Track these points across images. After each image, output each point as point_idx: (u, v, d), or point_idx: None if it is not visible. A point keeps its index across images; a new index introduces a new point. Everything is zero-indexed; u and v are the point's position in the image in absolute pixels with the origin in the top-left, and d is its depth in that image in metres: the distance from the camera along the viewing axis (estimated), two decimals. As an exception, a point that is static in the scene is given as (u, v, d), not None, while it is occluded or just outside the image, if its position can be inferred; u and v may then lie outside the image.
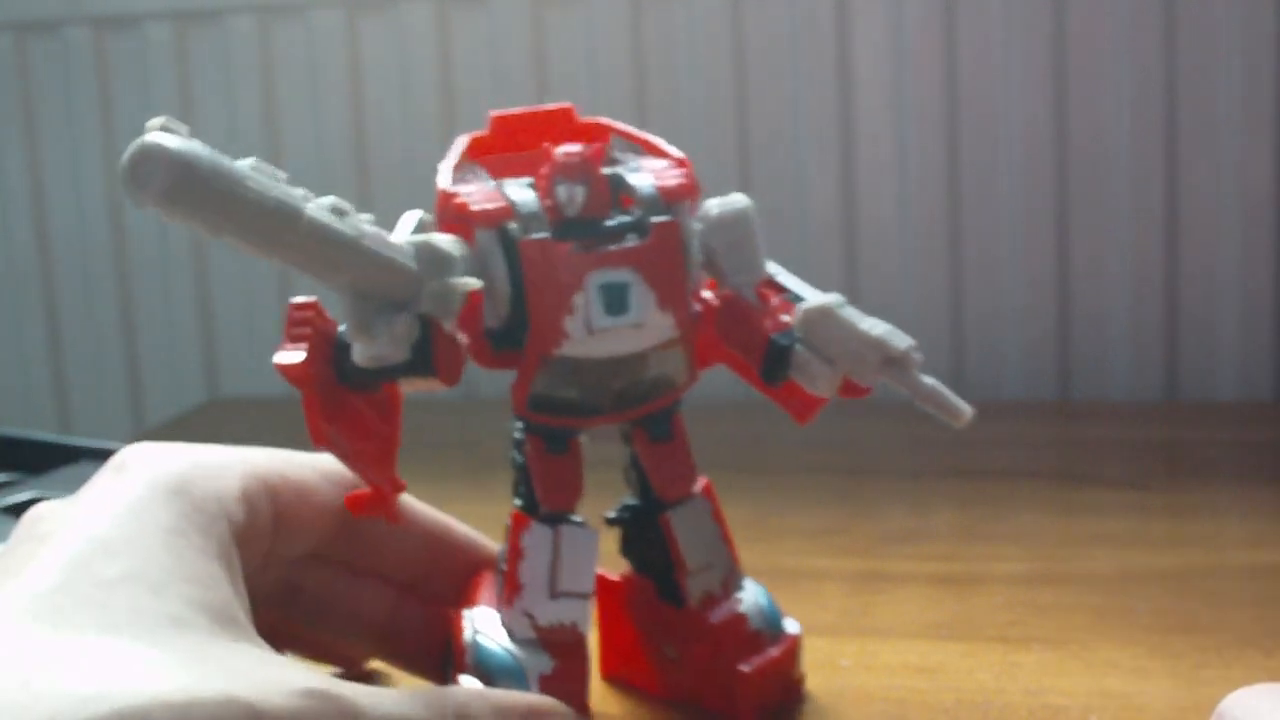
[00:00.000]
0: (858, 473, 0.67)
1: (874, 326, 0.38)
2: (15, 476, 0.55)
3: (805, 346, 0.38)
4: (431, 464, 0.67)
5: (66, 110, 0.92)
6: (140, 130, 0.30)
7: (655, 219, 0.38)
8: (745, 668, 0.41)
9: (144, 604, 0.30)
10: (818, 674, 0.44)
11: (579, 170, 0.38)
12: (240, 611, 0.33)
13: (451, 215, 0.38)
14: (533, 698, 0.37)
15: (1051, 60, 0.78)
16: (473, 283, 0.36)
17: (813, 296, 0.40)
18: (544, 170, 0.38)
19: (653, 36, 0.83)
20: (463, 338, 0.37)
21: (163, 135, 0.30)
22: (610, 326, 0.38)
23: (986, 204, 0.80)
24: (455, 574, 0.42)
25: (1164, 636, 0.46)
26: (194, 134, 0.31)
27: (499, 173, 0.40)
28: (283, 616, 0.41)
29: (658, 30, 0.83)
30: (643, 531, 0.42)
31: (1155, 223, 0.78)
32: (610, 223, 0.38)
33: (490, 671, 0.39)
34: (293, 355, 0.35)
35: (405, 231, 0.37)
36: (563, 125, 0.41)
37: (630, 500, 0.42)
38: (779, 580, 0.43)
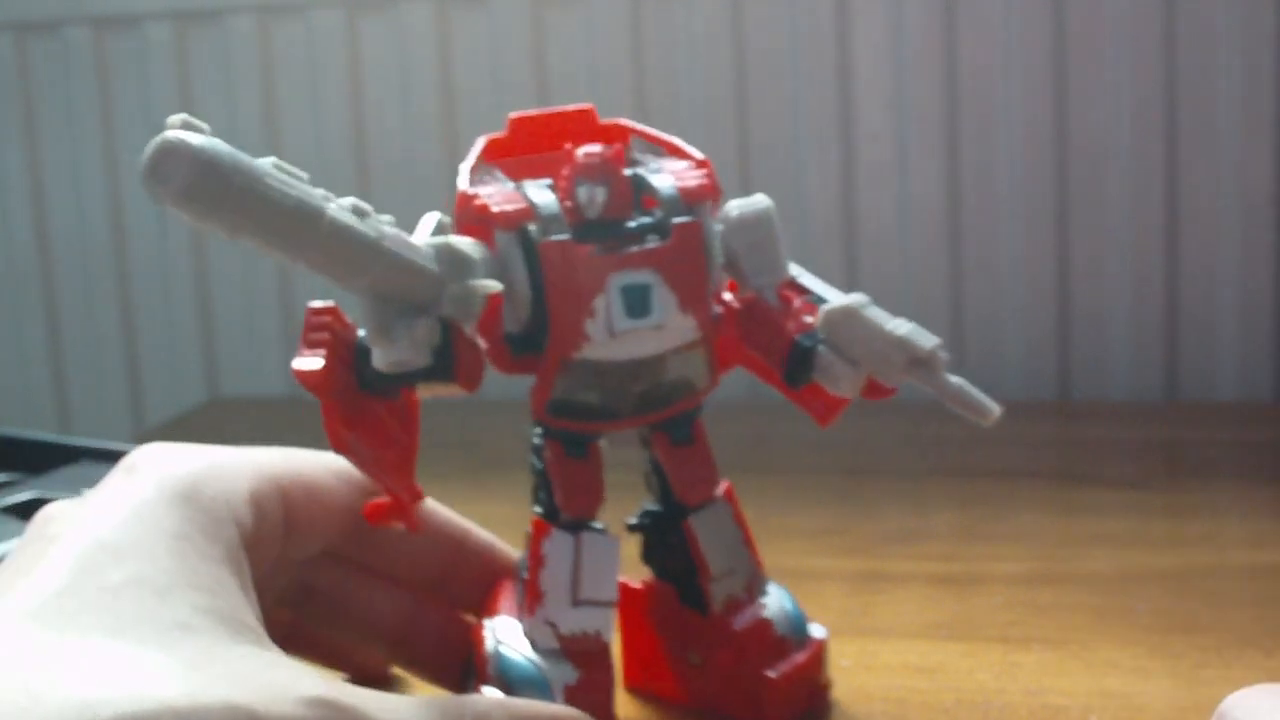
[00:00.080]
0: (858, 473, 0.67)
1: (899, 326, 0.37)
2: (15, 476, 0.55)
3: (828, 348, 0.38)
4: (431, 464, 0.67)
5: (66, 110, 0.92)
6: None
7: (676, 220, 0.38)
8: (772, 674, 0.40)
9: (149, 608, 0.30)
10: (818, 674, 0.44)
11: (600, 171, 0.37)
12: (249, 616, 0.32)
13: (471, 217, 0.37)
14: (555, 708, 0.36)
15: (1051, 60, 0.78)
16: (494, 285, 0.35)
17: (836, 297, 0.39)
18: (565, 171, 0.38)
19: (653, 36, 0.83)
20: (481, 342, 0.37)
21: (185, 132, 0.29)
22: (632, 328, 0.37)
23: (986, 204, 0.80)
24: (473, 579, 0.42)
25: (1164, 636, 0.46)
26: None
27: (514, 175, 0.39)
28: (297, 618, 0.41)
29: (658, 30, 0.83)
30: (664, 537, 0.41)
31: (1155, 223, 0.78)
32: (631, 224, 0.38)
33: (514, 683, 0.38)
34: (311, 362, 0.35)
35: (424, 233, 0.36)
36: (582, 127, 0.41)
37: (651, 505, 0.42)
38: (779, 580, 0.43)
